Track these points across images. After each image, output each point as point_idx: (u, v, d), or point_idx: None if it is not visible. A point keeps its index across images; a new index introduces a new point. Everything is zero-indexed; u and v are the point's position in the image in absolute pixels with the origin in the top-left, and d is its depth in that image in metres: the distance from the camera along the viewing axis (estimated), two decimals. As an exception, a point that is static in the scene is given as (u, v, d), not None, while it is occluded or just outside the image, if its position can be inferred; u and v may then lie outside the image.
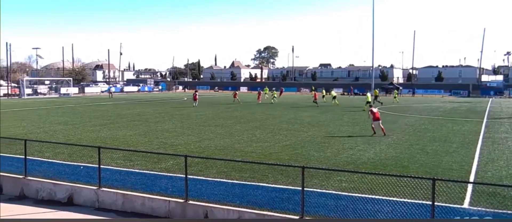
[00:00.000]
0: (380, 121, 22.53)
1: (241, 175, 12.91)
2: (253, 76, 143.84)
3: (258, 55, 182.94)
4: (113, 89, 74.91)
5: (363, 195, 10.80)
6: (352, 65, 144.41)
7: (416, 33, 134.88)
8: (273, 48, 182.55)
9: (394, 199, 10.21)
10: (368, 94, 42.85)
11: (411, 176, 11.05)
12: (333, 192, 11.23)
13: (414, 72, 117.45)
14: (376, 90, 48.85)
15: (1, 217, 10.82)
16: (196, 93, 47.89)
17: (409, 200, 10.03)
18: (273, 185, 11.94)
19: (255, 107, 42.96)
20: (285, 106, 44.26)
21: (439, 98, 69.41)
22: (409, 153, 17.19)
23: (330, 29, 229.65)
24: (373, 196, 10.64)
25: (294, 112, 36.70)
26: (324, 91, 55.59)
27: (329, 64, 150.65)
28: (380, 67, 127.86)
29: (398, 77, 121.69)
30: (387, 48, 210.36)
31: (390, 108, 42.78)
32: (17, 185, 12.69)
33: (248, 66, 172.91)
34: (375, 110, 23.23)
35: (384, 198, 10.43)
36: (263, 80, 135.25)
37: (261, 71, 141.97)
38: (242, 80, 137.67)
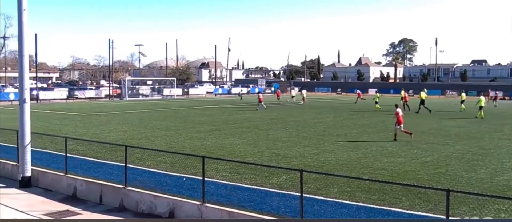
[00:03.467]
0: (402, 126, 24.50)
1: (368, 197, 12.67)
2: (385, 75, 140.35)
3: (391, 49, 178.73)
4: (243, 91, 76.52)
5: (529, 231, 9.94)
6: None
7: None
8: (411, 41, 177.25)
9: None
10: (481, 98, 40.04)
11: None
12: (488, 224, 10.51)
13: None
14: (422, 93, 45.36)
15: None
16: (260, 94, 53.72)
17: None
18: (409, 211, 11.55)
19: (386, 114, 41.90)
20: (425, 114, 42.50)
21: None
22: None
23: (486, 16, 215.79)
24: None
25: (437, 121, 35.13)
26: (403, 93, 51.82)
27: (485, 61, 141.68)
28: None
29: None
30: None
31: None
32: (117, 196, 13.82)
33: (378, 63, 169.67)
34: (400, 112, 25.00)
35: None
36: (398, 80, 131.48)
37: (395, 70, 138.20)
38: (371, 80, 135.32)
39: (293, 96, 67.47)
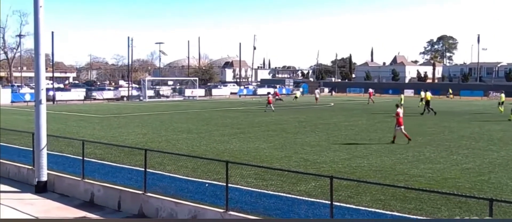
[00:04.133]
0: (403, 127, 24.60)
1: (403, 206, 12.53)
2: (422, 75, 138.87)
3: (429, 47, 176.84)
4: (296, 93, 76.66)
5: None
6: None
7: None
8: (451, 38, 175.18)
9: None
10: (502, 95, 39.65)
11: None
12: (536, 237, 10.30)
13: None
14: (428, 94, 44.56)
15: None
16: (270, 95, 52.38)
17: None
18: None
19: (424, 118, 41.45)
20: (465, 116, 41.89)
21: None
22: None
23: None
24: None
25: (479, 124, 34.58)
26: (423, 93, 50.63)
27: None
28: None
29: None
30: None
31: None
32: (136, 202, 13.95)
33: (415, 62, 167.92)
34: (401, 113, 25.09)
35: None
36: (436, 80, 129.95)
37: (433, 69, 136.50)
38: (407, 80, 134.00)
39: (296, 97, 69.87)
